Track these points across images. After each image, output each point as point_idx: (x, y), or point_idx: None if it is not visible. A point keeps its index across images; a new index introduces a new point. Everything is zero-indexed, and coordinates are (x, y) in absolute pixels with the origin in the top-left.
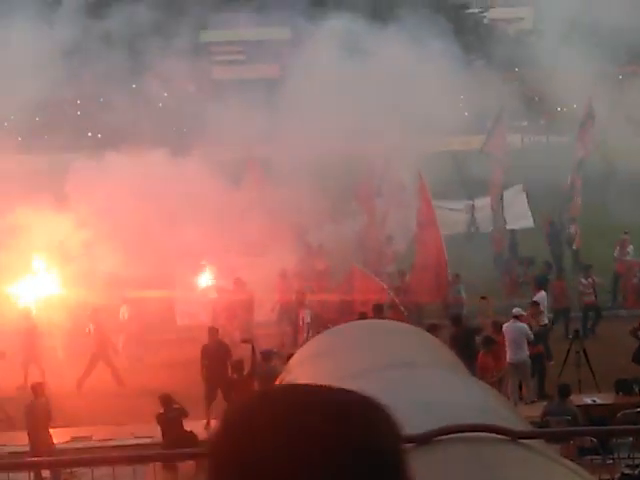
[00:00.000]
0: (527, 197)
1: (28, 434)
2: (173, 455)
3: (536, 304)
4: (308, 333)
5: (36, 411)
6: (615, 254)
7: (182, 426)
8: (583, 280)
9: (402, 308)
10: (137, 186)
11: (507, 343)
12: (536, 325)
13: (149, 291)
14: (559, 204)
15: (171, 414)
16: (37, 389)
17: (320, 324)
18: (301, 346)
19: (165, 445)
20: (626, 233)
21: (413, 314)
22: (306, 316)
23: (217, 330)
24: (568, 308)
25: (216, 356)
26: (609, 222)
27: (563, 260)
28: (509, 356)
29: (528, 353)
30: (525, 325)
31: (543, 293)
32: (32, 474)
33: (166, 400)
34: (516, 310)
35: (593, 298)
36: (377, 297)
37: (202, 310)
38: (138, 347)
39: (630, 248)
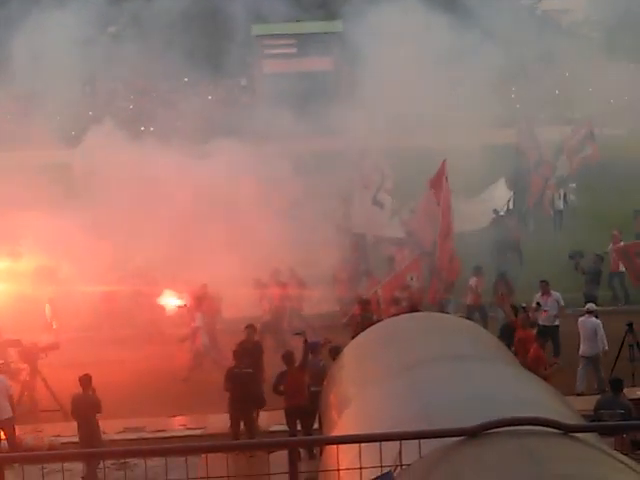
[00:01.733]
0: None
1: (78, 426)
2: (225, 446)
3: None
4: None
5: (83, 403)
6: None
7: (252, 385)
8: None
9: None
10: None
11: (581, 337)
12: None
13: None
14: None
15: (242, 370)
16: (84, 381)
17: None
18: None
19: (231, 401)
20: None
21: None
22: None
23: (255, 328)
24: None
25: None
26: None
27: None
28: (582, 349)
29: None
30: (598, 321)
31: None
32: (85, 464)
33: (238, 355)
34: (590, 305)
35: None
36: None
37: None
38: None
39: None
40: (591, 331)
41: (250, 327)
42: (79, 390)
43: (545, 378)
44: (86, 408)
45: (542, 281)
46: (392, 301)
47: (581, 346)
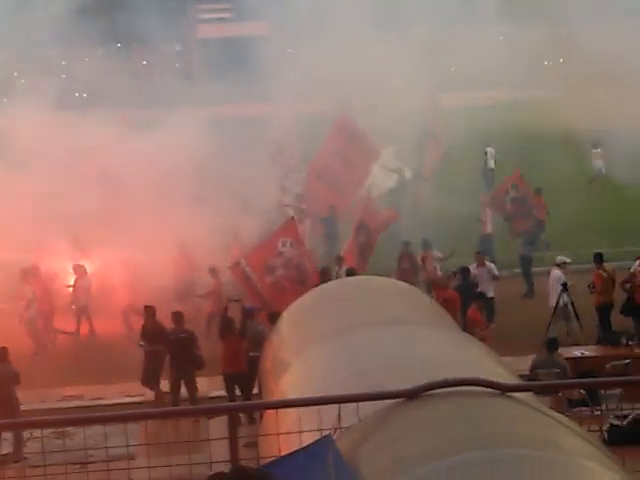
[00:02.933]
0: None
1: None
2: (165, 413)
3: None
4: None
5: (1, 376)
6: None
7: (193, 348)
8: None
9: None
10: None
11: (549, 289)
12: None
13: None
14: None
15: (181, 334)
16: (1, 354)
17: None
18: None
19: (173, 366)
20: None
21: None
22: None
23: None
24: None
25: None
26: None
27: None
28: (550, 300)
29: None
30: (559, 273)
31: None
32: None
33: (177, 318)
34: (559, 259)
35: None
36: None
37: None
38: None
39: None
40: (556, 283)
41: (148, 309)
42: None
43: (482, 339)
44: (5, 381)
45: (477, 252)
46: (265, 269)
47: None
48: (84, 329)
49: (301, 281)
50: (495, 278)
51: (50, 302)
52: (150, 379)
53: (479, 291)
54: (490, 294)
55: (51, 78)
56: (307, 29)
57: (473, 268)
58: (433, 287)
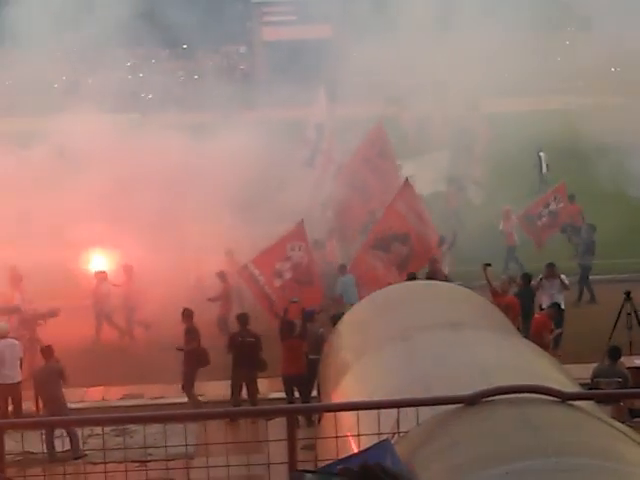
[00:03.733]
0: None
1: (42, 399)
2: (224, 413)
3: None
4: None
5: (47, 374)
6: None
7: (258, 352)
8: None
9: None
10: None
11: None
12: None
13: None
14: None
15: (248, 338)
16: (46, 352)
17: None
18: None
19: (238, 368)
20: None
21: None
22: None
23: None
24: None
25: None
26: None
27: None
28: None
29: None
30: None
31: None
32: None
33: (243, 320)
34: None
35: None
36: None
37: None
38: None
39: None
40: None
41: (186, 311)
42: (42, 362)
43: (547, 345)
44: (51, 379)
45: (548, 264)
46: (274, 274)
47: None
48: (134, 331)
49: (310, 283)
50: (566, 289)
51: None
52: (186, 384)
53: (554, 302)
54: (562, 305)
55: (116, 80)
56: (370, 32)
57: (543, 280)
58: (492, 294)
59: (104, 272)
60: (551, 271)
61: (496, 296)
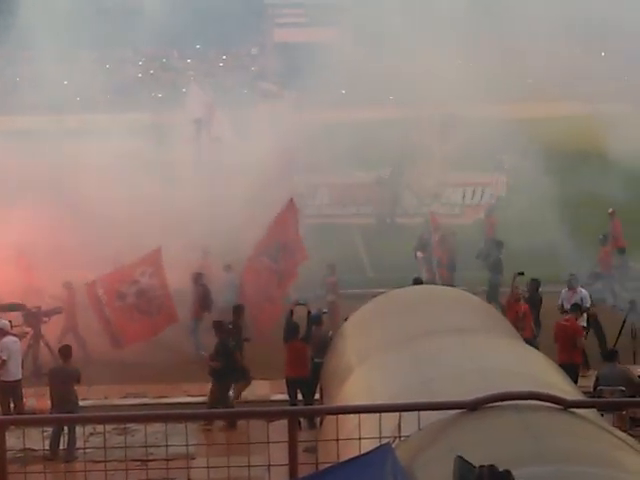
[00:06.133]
0: None
1: (56, 398)
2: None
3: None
4: None
5: (63, 375)
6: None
7: (239, 358)
8: None
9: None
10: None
11: None
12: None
13: None
14: None
15: (228, 343)
16: (65, 352)
17: None
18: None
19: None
20: None
21: None
22: None
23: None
24: None
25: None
26: None
27: None
28: None
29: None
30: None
31: None
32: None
33: (218, 327)
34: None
35: None
36: None
37: None
38: None
39: None
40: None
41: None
42: (59, 362)
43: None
44: (67, 381)
45: (571, 274)
46: (116, 295)
47: None
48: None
49: (150, 313)
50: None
51: None
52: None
53: (574, 304)
54: (582, 323)
55: (127, 77)
56: (383, 36)
57: (564, 293)
58: (508, 302)
59: (69, 282)
60: (571, 284)
61: (512, 304)
